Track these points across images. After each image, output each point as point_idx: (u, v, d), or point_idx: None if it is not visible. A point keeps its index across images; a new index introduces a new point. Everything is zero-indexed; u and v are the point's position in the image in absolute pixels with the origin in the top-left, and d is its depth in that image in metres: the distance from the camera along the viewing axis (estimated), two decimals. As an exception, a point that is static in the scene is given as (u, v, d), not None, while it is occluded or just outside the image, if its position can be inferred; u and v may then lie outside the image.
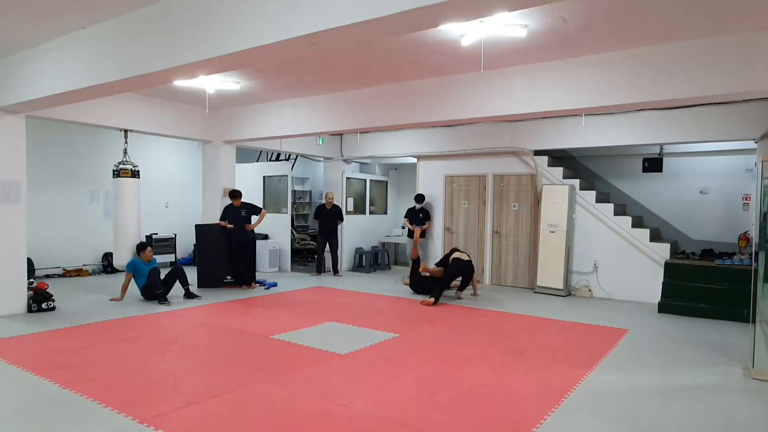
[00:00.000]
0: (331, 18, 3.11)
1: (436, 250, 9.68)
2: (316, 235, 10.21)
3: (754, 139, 6.85)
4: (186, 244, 10.82)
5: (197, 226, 8.43)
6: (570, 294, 8.18)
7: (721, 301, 6.62)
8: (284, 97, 7.55)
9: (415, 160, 10.15)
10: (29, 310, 6.14)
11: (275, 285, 8.44)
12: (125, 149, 7.56)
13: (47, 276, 8.68)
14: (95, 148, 9.46)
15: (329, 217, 9.78)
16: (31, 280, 6.50)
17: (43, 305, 6.17)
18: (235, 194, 8.27)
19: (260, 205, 9.71)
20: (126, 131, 7.52)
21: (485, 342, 5.28)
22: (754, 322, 4.52)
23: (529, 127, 8.48)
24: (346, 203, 10.79)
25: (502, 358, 4.73)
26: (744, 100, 6.54)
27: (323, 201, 10.22)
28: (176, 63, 4.04)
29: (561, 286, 8.03)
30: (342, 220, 10.02)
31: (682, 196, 8.38)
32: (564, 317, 6.48)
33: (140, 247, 7.12)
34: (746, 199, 7.79)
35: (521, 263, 8.81)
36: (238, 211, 8.25)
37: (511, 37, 4.61)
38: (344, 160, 10.87)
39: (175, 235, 10.54)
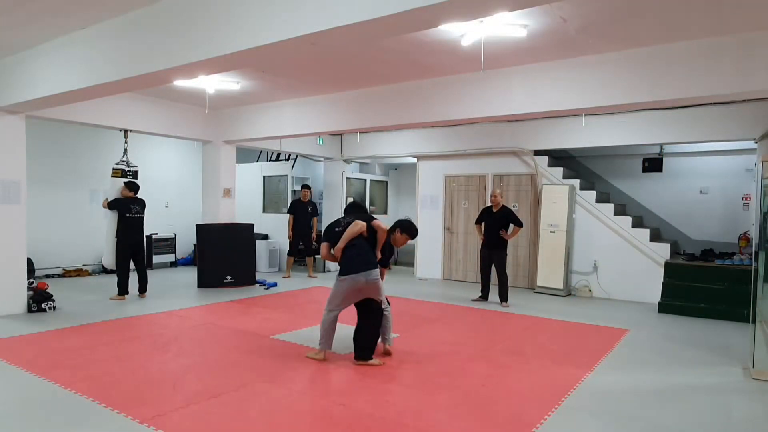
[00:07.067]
0: (331, 18, 3.11)
1: (434, 251, 9.70)
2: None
3: (754, 139, 6.85)
4: (186, 244, 10.83)
5: (198, 226, 8.43)
6: (570, 294, 8.18)
7: (721, 301, 6.62)
8: (284, 97, 7.54)
9: (415, 160, 10.14)
10: (29, 310, 6.14)
11: (275, 285, 8.44)
12: (125, 149, 7.57)
13: (47, 276, 8.68)
14: (95, 148, 9.46)
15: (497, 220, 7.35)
16: (31, 280, 6.51)
17: (43, 305, 6.17)
18: (133, 187, 7.19)
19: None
20: (126, 131, 7.53)
21: (485, 342, 5.28)
22: (754, 322, 4.52)
23: (529, 127, 8.47)
24: (346, 203, 10.77)
25: (502, 358, 4.73)
26: (744, 100, 6.54)
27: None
28: (176, 63, 4.05)
29: (561, 286, 8.02)
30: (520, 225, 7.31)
31: (682, 196, 8.37)
32: (564, 317, 6.48)
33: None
34: (746, 199, 7.79)
35: (521, 263, 8.80)
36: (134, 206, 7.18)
37: (511, 37, 4.61)
38: (344, 160, 10.86)
39: (175, 235, 10.55)
